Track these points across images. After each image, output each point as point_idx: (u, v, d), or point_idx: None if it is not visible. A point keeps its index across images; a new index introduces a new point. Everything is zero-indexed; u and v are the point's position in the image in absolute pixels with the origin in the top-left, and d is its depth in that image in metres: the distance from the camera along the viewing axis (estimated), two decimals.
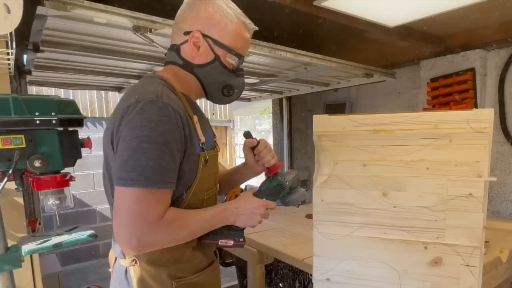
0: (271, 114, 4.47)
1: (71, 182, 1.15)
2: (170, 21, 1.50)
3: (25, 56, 2.02)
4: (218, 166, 1.19)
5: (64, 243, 1.11)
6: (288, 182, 1.14)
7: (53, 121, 1.05)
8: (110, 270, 1.17)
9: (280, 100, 4.05)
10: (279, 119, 4.13)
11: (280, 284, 2.08)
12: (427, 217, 1.11)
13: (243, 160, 1.27)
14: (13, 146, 1.00)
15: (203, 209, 1.04)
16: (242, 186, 2.67)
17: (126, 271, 1.04)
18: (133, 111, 0.89)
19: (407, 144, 1.12)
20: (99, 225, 5.03)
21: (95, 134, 4.74)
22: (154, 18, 1.49)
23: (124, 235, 0.89)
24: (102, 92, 5.13)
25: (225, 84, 1.08)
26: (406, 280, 1.14)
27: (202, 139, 1.03)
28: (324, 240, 1.23)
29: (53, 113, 1.05)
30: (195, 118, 1.03)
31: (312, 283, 1.27)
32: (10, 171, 0.99)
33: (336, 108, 3.76)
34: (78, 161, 1.16)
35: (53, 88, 3.69)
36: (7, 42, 1.30)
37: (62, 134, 1.09)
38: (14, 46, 1.32)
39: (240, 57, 1.07)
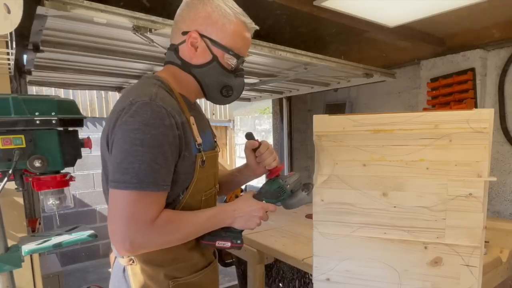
0: (271, 114, 4.48)
1: (71, 182, 1.15)
2: (170, 21, 1.50)
3: (25, 56, 2.02)
4: (217, 166, 1.18)
5: (64, 243, 1.11)
6: (289, 185, 1.13)
7: (53, 121, 1.05)
8: (110, 270, 1.18)
9: (280, 100, 4.05)
10: (279, 119, 4.13)
11: (280, 284, 2.08)
12: (427, 217, 1.11)
13: (243, 160, 1.27)
14: (13, 146, 1.00)
15: (200, 210, 1.04)
16: (242, 186, 2.67)
17: (124, 270, 1.04)
18: (126, 114, 0.89)
19: (407, 144, 1.12)
20: (99, 225, 5.03)
21: (95, 134, 4.74)
22: (154, 18, 1.49)
23: (117, 237, 0.89)
24: (102, 92, 5.14)
25: (224, 84, 1.06)
26: (406, 280, 1.14)
27: (199, 140, 1.02)
28: (324, 240, 1.23)
29: (53, 113, 1.06)
30: (191, 119, 1.02)
31: (312, 283, 1.27)
32: (10, 171, 0.99)
33: (336, 108, 3.76)
34: (78, 161, 1.16)
35: (53, 88, 3.69)
36: (7, 42, 1.30)
37: (62, 134, 1.10)
38: (14, 46, 1.32)
39: (239, 57, 1.05)
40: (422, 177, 1.11)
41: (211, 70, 1.04)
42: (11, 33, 1.24)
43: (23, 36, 1.65)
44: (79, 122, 1.14)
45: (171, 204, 0.99)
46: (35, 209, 2.61)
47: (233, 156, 7.72)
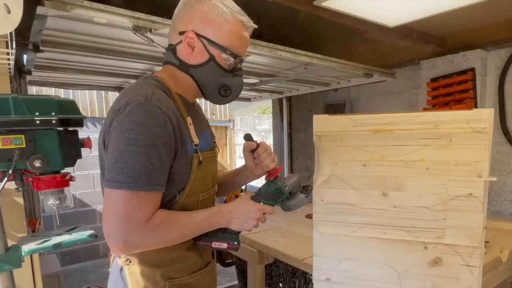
0: (271, 114, 4.48)
1: (71, 182, 1.15)
2: (169, 21, 1.48)
3: (25, 56, 2.02)
4: (216, 167, 1.18)
5: (64, 243, 1.11)
6: (287, 187, 1.12)
7: (53, 121, 1.05)
8: (110, 270, 1.18)
9: (280, 100, 4.05)
10: (279, 119, 4.13)
11: (280, 284, 2.08)
12: (427, 217, 1.11)
13: (243, 160, 1.26)
14: (13, 146, 1.00)
15: (196, 211, 1.03)
16: (243, 187, 2.67)
17: (121, 269, 1.04)
18: (122, 114, 0.89)
19: (407, 144, 1.12)
20: (99, 225, 5.02)
21: (95, 134, 4.72)
22: (154, 18, 1.49)
23: (111, 236, 0.89)
24: (102, 92, 5.14)
25: (221, 84, 1.05)
26: (406, 280, 1.14)
27: (196, 140, 1.02)
28: (324, 240, 1.23)
29: (53, 113, 1.06)
30: (189, 119, 1.02)
31: (312, 283, 1.27)
32: (10, 171, 0.99)
33: (336, 108, 3.76)
34: (78, 161, 1.16)
35: (53, 88, 3.70)
36: (7, 42, 1.30)
37: (62, 134, 1.10)
38: (14, 46, 1.32)
39: (236, 57, 1.03)
40: (422, 177, 1.11)
41: (208, 70, 1.03)
42: (11, 33, 1.24)
43: (23, 36, 1.65)
44: (79, 122, 1.13)
45: (167, 204, 0.99)
46: (35, 209, 2.61)
47: (233, 156, 7.72)
